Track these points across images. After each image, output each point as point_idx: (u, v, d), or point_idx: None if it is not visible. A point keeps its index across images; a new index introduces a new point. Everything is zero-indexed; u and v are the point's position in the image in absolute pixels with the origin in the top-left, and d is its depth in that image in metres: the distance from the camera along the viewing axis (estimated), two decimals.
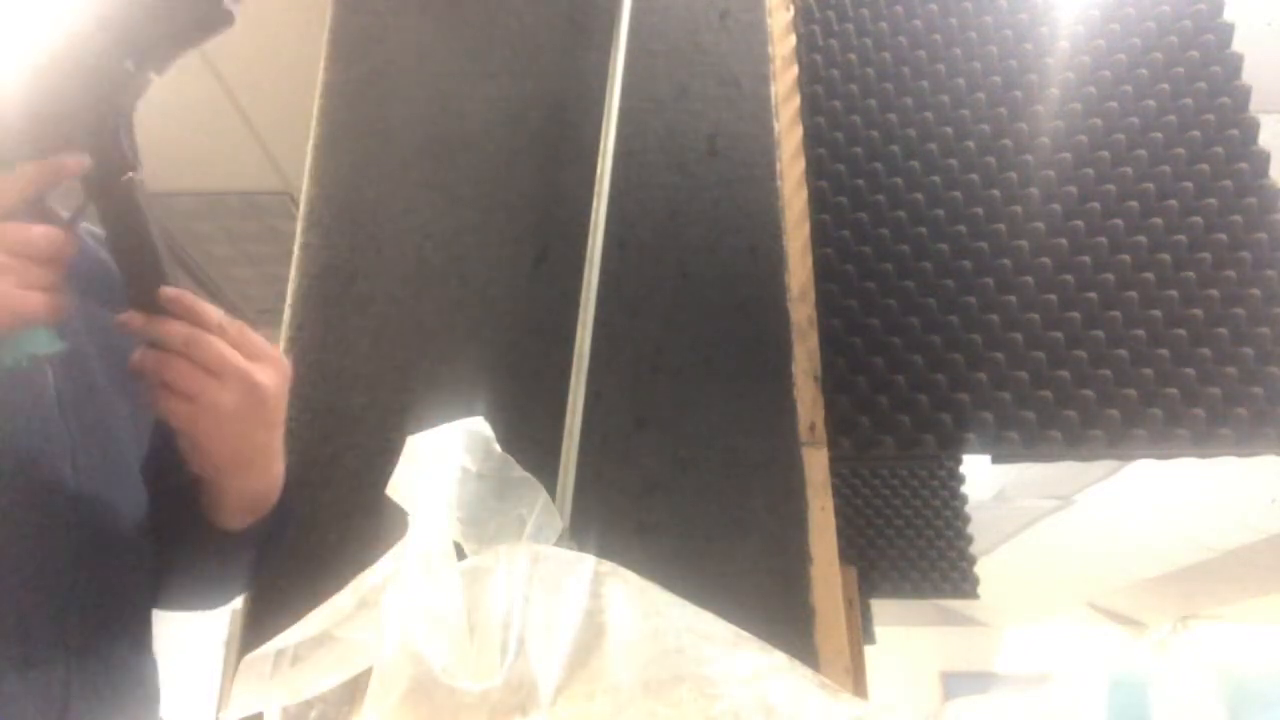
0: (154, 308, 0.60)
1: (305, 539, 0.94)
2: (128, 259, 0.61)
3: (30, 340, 0.55)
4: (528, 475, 0.63)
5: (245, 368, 0.61)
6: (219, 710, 0.56)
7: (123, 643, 0.70)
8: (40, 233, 0.55)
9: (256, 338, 0.63)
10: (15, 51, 0.58)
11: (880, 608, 2.79)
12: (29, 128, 0.57)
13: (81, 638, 0.65)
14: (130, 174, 0.59)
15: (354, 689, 0.51)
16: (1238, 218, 1.23)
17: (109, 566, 0.68)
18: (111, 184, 0.59)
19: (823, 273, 1.19)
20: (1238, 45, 1.32)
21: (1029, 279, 1.23)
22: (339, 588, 0.57)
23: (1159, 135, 1.28)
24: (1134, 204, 1.25)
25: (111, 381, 0.70)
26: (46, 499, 0.64)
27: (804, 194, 1.20)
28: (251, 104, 2.32)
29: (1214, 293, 1.21)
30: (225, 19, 0.60)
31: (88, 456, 0.66)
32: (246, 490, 0.69)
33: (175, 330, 0.60)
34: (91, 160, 0.58)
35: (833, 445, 1.07)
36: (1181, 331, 1.19)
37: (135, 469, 0.73)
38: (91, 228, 0.67)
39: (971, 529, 2.67)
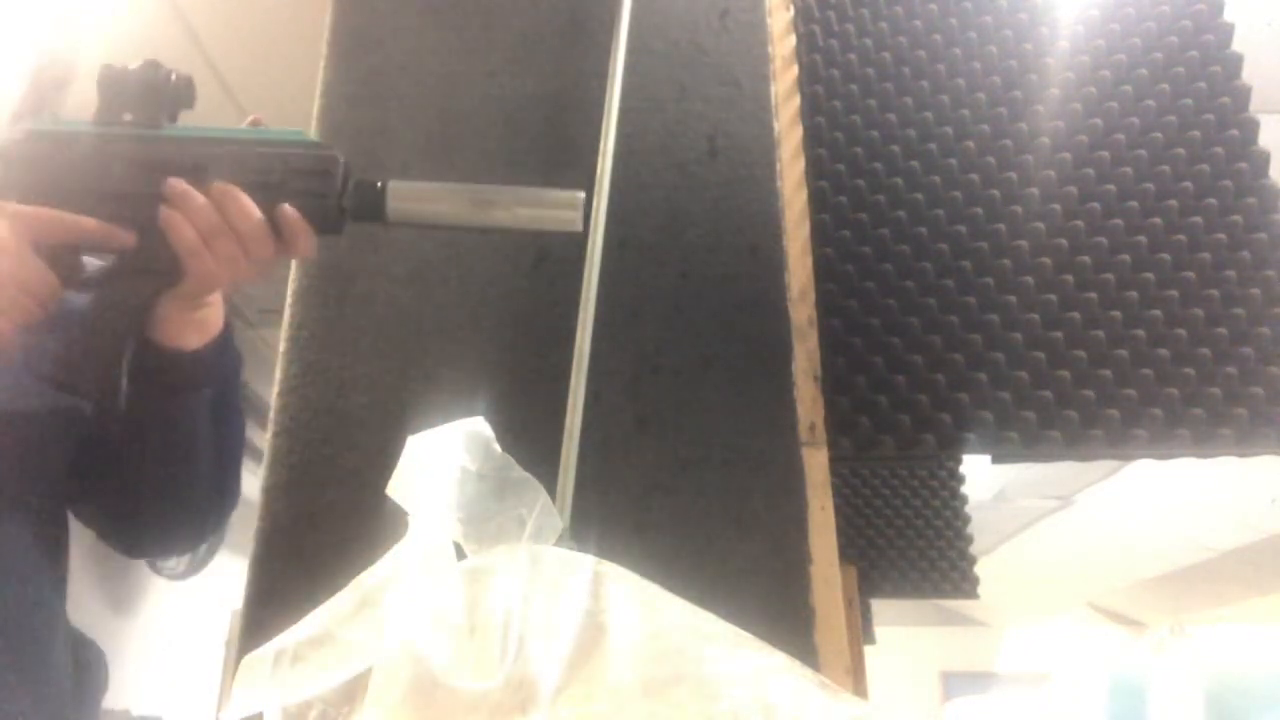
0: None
1: (305, 539, 0.94)
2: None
3: None
4: (528, 475, 0.63)
5: (268, 235, 0.66)
6: (219, 710, 0.56)
7: (24, 625, 0.71)
8: (43, 277, 0.61)
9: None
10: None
11: (880, 608, 2.79)
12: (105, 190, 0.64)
13: None
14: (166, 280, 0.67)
15: (354, 689, 0.51)
16: (1238, 218, 1.23)
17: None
18: (139, 278, 0.66)
19: (823, 273, 1.19)
20: (1238, 45, 1.32)
21: (1029, 279, 1.23)
22: (339, 588, 0.57)
23: (1159, 135, 1.28)
24: (1134, 204, 1.25)
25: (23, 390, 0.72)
26: None
27: (804, 194, 1.20)
28: (252, 104, 2.32)
29: (1214, 293, 1.21)
30: (333, 230, 0.69)
31: None
32: (204, 313, 0.74)
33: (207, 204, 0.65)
34: (136, 244, 0.64)
35: (833, 445, 1.07)
36: (1181, 331, 1.19)
37: (44, 459, 0.75)
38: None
39: (971, 529, 2.67)
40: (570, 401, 0.93)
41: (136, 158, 0.65)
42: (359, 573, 0.58)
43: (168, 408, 0.75)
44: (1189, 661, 6.38)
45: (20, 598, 0.71)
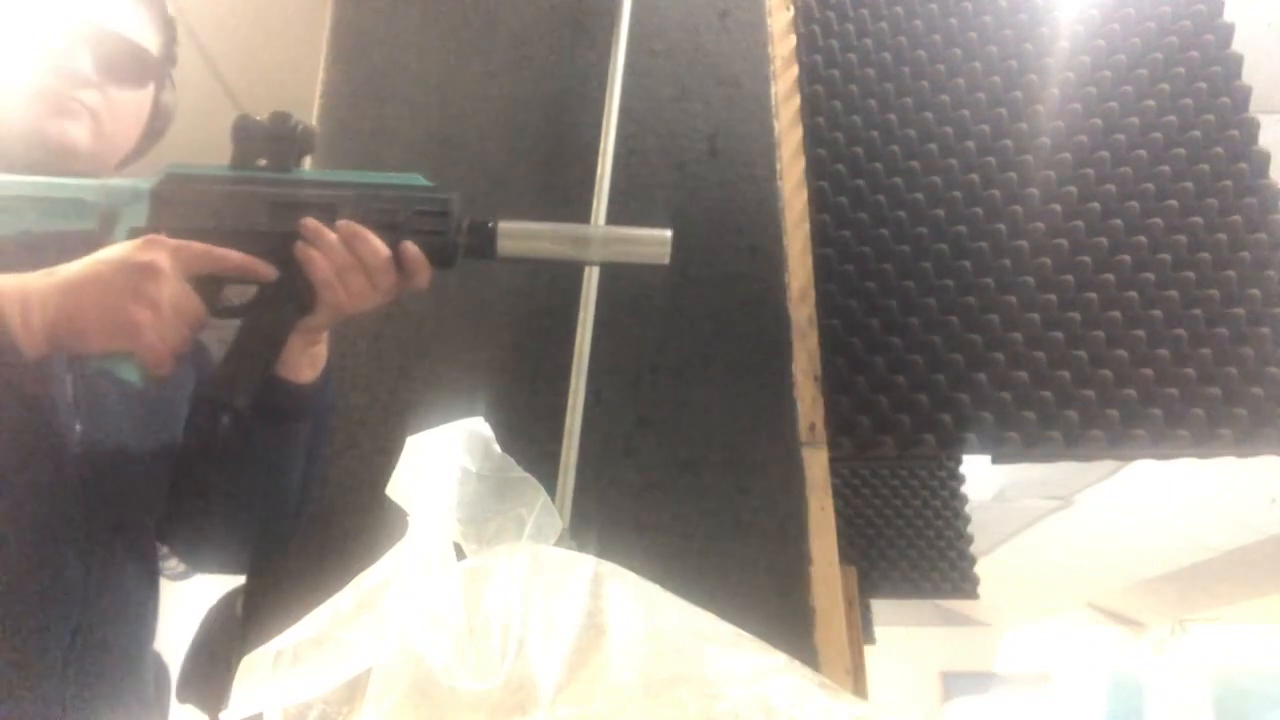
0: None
1: (305, 540, 0.94)
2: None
3: (122, 366, 0.64)
4: (527, 475, 0.63)
5: (392, 269, 0.72)
6: (220, 710, 0.56)
7: (125, 637, 0.76)
8: (195, 304, 0.66)
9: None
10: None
11: (880, 608, 2.79)
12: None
13: (84, 634, 0.70)
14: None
15: (354, 689, 0.51)
16: (1237, 218, 1.23)
17: (112, 563, 0.74)
18: (280, 306, 0.72)
19: (823, 273, 1.19)
20: (1238, 46, 1.32)
21: (1029, 279, 1.23)
22: (339, 588, 0.57)
23: (1159, 136, 1.28)
24: (1134, 204, 1.25)
25: (132, 419, 0.79)
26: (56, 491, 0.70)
27: (804, 194, 1.20)
28: (252, 103, 2.32)
29: (1214, 293, 1.21)
30: (448, 265, 0.74)
31: (94, 456, 0.74)
32: (319, 349, 0.79)
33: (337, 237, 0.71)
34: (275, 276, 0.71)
35: (833, 445, 1.07)
36: (1181, 332, 1.19)
37: (146, 484, 0.81)
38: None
39: (971, 529, 2.67)
40: (570, 401, 0.93)
41: (274, 199, 0.72)
42: (359, 573, 0.57)
43: (274, 436, 0.80)
44: (1189, 661, 6.38)
45: (124, 614, 0.76)
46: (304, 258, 0.70)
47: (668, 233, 0.75)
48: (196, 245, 0.67)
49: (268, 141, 0.73)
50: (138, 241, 0.65)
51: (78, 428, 0.73)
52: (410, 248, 0.71)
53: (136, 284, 0.63)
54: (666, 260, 0.76)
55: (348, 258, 0.70)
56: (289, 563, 0.94)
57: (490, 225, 0.74)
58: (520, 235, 0.75)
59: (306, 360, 0.78)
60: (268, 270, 0.70)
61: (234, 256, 0.69)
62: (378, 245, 0.70)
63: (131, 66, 0.82)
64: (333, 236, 0.70)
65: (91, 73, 0.78)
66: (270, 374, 0.75)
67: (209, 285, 0.69)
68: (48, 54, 0.77)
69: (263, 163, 0.73)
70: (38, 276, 0.62)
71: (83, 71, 0.78)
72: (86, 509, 0.72)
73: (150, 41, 0.85)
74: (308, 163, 0.77)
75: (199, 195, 0.72)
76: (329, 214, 0.71)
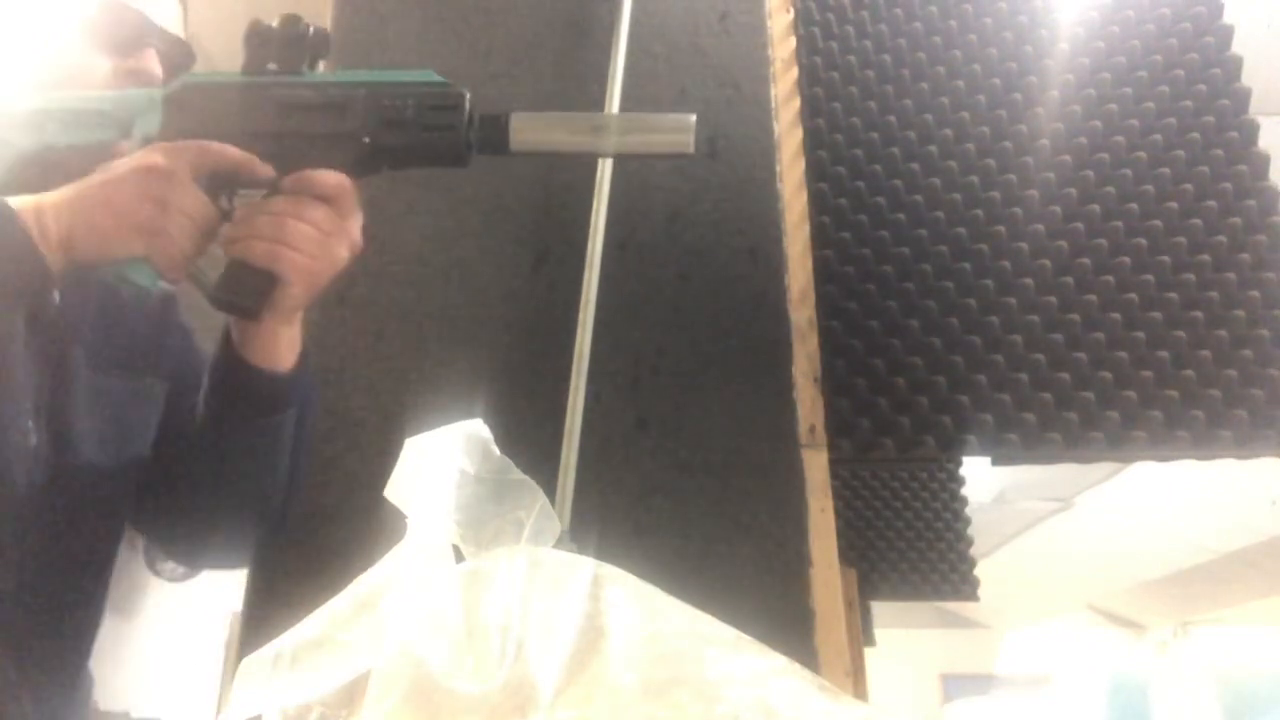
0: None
1: (305, 541, 0.94)
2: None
3: (140, 271, 0.65)
4: (526, 478, 0.63)
5: (349, 226, 0.71)
6: (219, 712, 0.56)
7: (65, 642, 0.75)
8: (205, 204, 0.66)
9: (349, 197, 0.71)
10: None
11: (880, 610, 2.79)
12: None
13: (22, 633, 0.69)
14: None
15: (353, 691, 0.51)
16: (1237, 220, 1.23)
17: (57, 569, 0.73)
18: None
19: (822, 275, 1.19)
20: (1237, 47, 1.32)
21: (1029, 281, 1.23)
22: (338, 590, 0.57)
23: (1159, 138, 1.28)
24: (1134, 206, 1.25)
25: (95, 429, 0.77)
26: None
27: (804, 196, 1.20)
28: None
29: (1214, 295, 1.21)
30: (461, 162, 0.73)
31: (53, 454, 0.72)
32: (293, 331, 0.77)
33: (285, 201, 0.69)
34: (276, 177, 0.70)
35: (832, 447, 1.07)
36: (1181, 334, 1.19)
37: (109, 486, 0.79)
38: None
39: (971, 531, 2.67)
40: (570, 403, 0.93)
41: (283, 99, 0.72)
42: (358, 575, 0.57)
43: (257, 428, 0.78)
44: (1190, 663, 6.37)
45: (67, 598, 0.75)
46: (242, 248, 0.68)
47: (691, 117, 0.71)
48: (194, 143, 0.67)
49: (279, 46, 0.73)
50: (146, 148, 0.66)
51: (33, 441, 0.70)
52: (313, 173, 0.69)
53: (145, 185, 0.64)
54: (690, 149, 0.71)
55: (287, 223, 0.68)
56: (288, 564, 0.94)
57: (503, 117, 0.73)
58: (534, 126, 0.73)
59: (286, 344, 0.76)
60: (265, 170, 0.69)
61: (232, 152, 0.68)
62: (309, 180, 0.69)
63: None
64: (263, 216, 0.69)
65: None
66: (242, 365, 0.74)
67: (220, 190, 0.69)
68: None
69: (273, 67, 0.73)
70: (50, 194, 0.64)
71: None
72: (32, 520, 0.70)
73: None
74: (321, 67, 0.76)
75: (210, 101, 0.72)
76: (339, 113, 0.71)
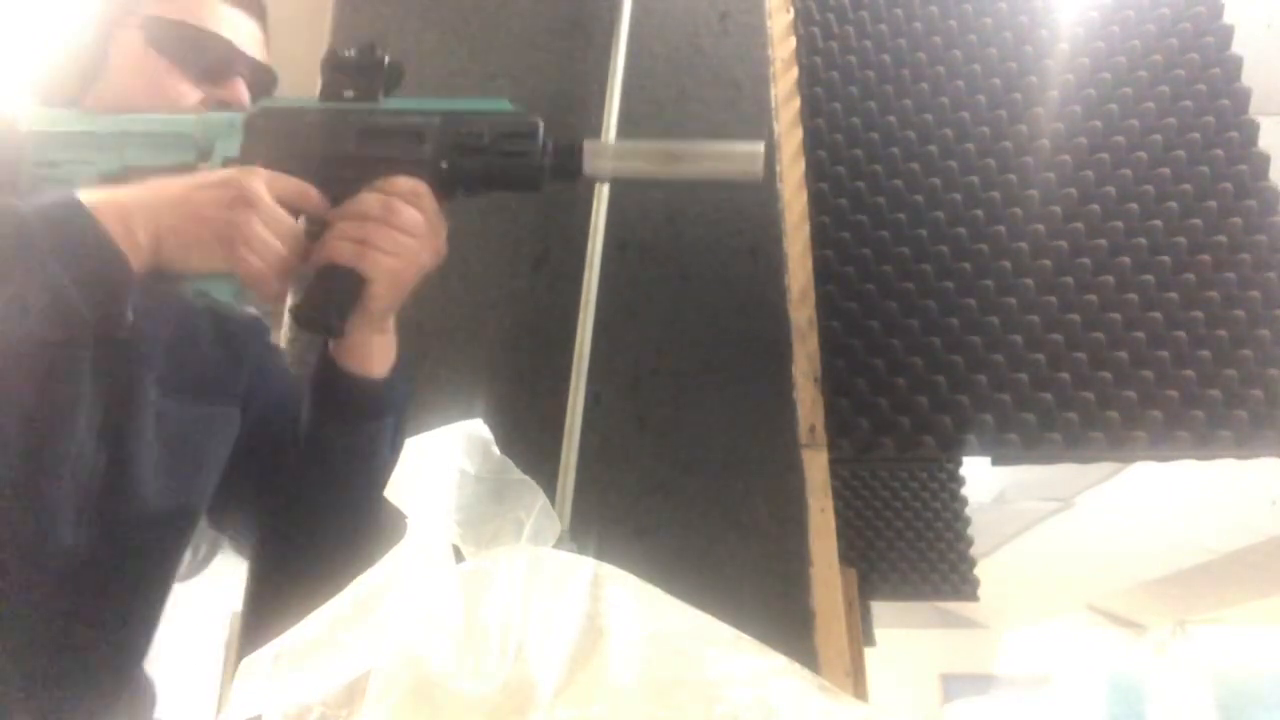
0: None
1: (305, 541, 0.94)
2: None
3: (220, 285, 0.65)
4: (526, 478, 0.63)
5: (434, 230, 0.71)
6: (219, 712, 0.56)
7: (118, 652, 0.75)
8: (291, 223, 0.67)
9: (432, 203, 0.72)
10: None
11: (880, 610, 2.79)
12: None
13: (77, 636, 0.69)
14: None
15: (353, 692, 0.51)
16: (1237, 220, 1.23)
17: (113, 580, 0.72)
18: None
19: (822, 275, 1.19)
20: (1237, 47, 1.32)
21: (1029, 281, 1.23)
22: (338, 590, 0.57)
23: (1158, 138, 1.28)
24: (1133, 206, 1.25)
25: (158, 453, 0.75)
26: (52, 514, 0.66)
27: (804, 196, 1.20)
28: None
29: (1214, 295, 1.21)
30: (535, 188, 0.73)
31: (111, 473, 0.70)
32: (387, 338, 0.78)
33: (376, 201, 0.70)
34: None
35: (833, 447, 1.07)
36: (1181, 334, 1.19)
37: (170, 507, 0.77)
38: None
39: (971, 531, 2.67)
40: (570, 403, 0.93)
41: (361, 126, 0.73)
42: (358, 575, 0.57)
43: (358, 436, 0.78)
44: (1189, 663, 6.37)
45: (134, 606, 0.76)
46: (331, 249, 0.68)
47: (760, 145, 0.72)
48: (284, 176, 0.68)
49: (355, 73, 0.74)
50: (231, 169, 0.67)
51: (92, 461, 0.68)
52: (400, 180, 0.70)
53: (231, 197, 0.64)
54: (760, 178, 0.71)
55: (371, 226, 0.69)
56: (289, 564, 0.94)
57: (577, 145, 0.73)
58: (607, 154, 0.75)
59: (377, 350, 0.77)
60: (322, 201, 0.70)
61: (312, 194, 0.69)
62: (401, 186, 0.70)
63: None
64: (348, 221, 0.69)
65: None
66: (340, 372, 0.75)
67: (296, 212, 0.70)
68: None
69: (350, 94, 0.74)
70: (127, 190, 0.63)
71: None
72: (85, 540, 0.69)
73: None
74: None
75: (290, 125, 0.73)
76: (415, 139, 0.72)
